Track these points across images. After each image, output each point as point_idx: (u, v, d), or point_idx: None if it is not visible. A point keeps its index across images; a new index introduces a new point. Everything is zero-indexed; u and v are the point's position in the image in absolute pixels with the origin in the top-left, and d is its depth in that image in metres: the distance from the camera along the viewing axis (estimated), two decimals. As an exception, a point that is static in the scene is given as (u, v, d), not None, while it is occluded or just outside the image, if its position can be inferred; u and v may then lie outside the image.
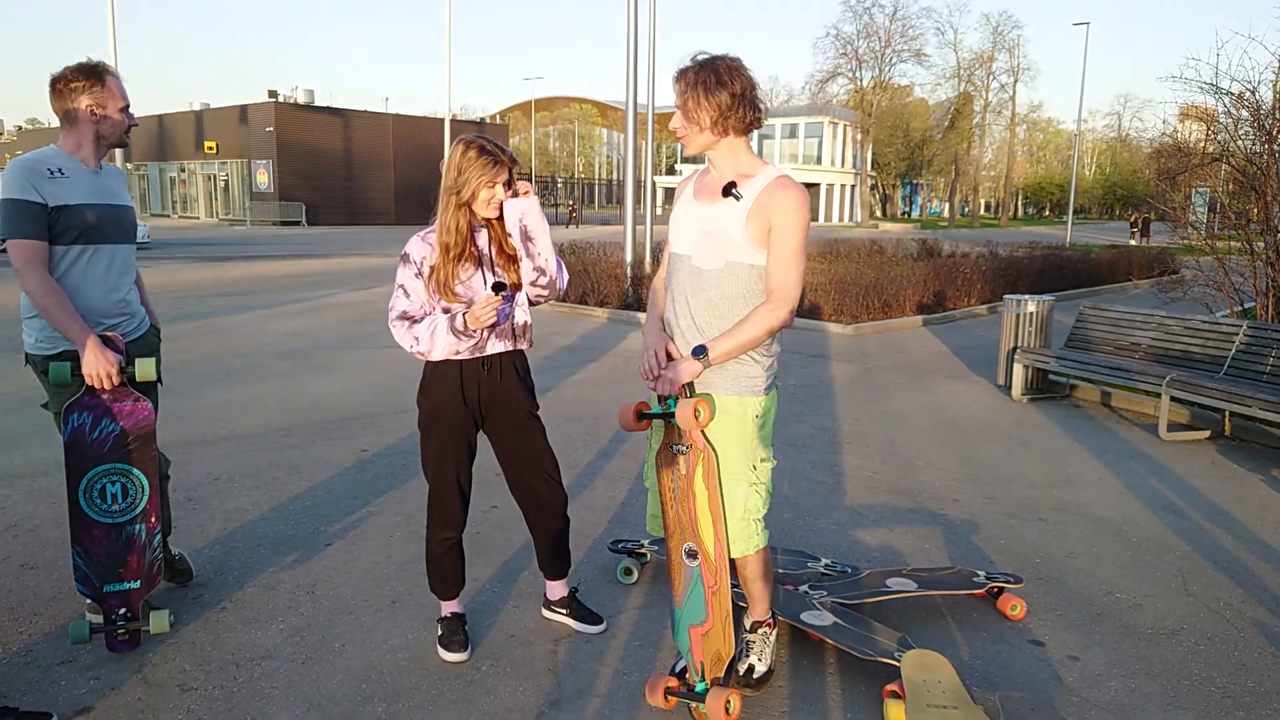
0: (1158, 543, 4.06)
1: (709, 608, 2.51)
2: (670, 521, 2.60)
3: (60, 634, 3.02)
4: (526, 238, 2.76)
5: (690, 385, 2.50)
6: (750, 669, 2.77)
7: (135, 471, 2.88)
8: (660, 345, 2.58)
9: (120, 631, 2.88)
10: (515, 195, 2.75)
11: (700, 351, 2.46)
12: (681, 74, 2.50)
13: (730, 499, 2.60)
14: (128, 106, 2.96)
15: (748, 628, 2.85)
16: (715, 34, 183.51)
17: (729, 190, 2.50)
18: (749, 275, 2.51)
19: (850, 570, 3.48)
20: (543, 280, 2.81)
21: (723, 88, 2.43)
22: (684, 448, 2.51)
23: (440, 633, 2.98)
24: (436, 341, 2.75)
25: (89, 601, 3.04)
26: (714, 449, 2.52)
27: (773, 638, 2.84)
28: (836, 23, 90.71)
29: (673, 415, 2.48)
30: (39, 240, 2.73)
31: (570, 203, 45.87)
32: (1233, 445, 5.80)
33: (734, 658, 2.76)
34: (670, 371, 2.48)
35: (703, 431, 2.52)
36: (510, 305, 2.84)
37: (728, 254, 2.50)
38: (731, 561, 2.62)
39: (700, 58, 2.50)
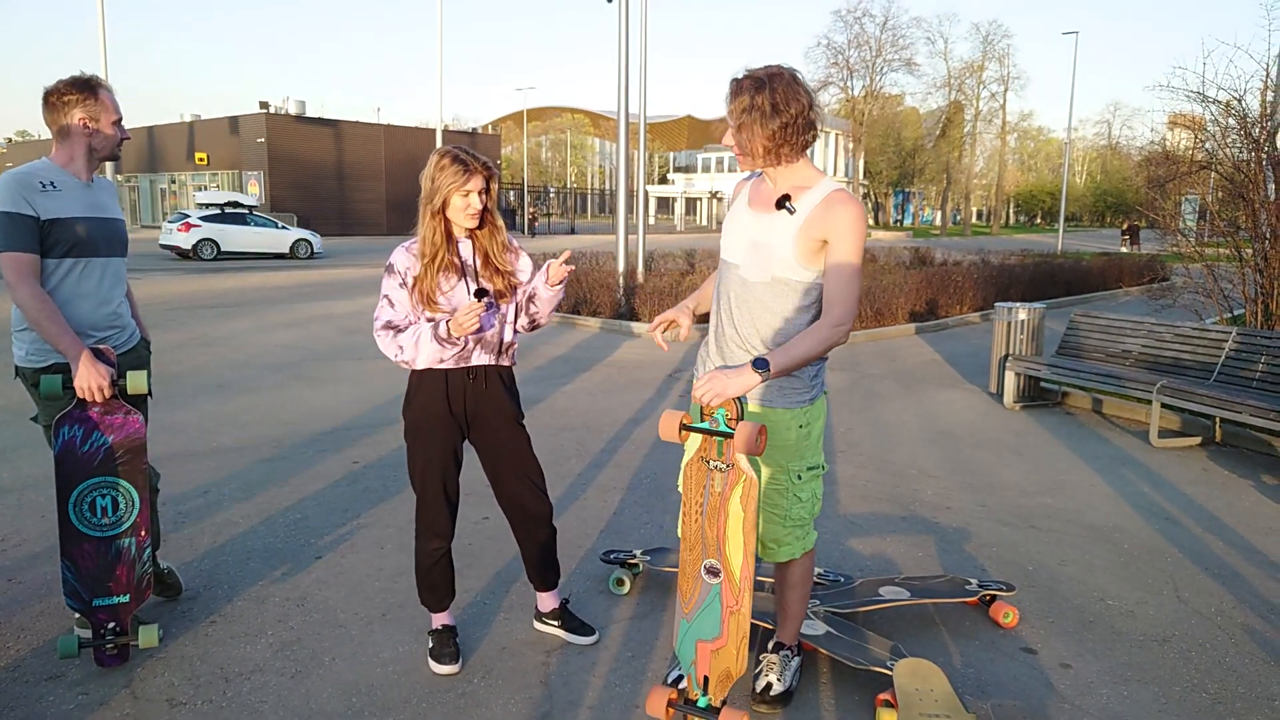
0: (1149, 549, 4.07)
1: (725, 626, 2.45)
2: (691, 533, 2.50)
3: (48, 649, 3.00)
4: (531, 299, 2.89)
5: (742, 400, 2.35)
6: (768, 686, 2.74)
7: (125, 485, 2.86)
8: (679, 314, 2.61)
9: (109, 646, 2.86)
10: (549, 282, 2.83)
11: (761, 365, 2.31)
12: (736, 93, 2.39)
13: (775, 508, 2.60)
14: (120, 120, 2.96)
15: (769, 648, 2.84)
16: (706, 44, 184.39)
17: (782, 203, 2.44)
18: (796, 291, 2.47)
19: (843, 579, 3.48)
20: (529, 324, 2.96)
21: (777, 115, 2.34)
22: (724, 465, 2.38)
23: (431, 645, 2.97)
24: (420, 350, 2.75)
25: (77, 616, 3.02)
26: (756, 470, 2.46)
27: (794, 663, 2.81)
28: (827, 32, 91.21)
29: (726, 434, 2.33)
30: (31, 253, 2.72)
31: (531, 209, 44.39)
32: (1223, 451, 5.82)
33: (754, 675, 2.76)
34: (719, 381, 2.31)
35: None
36: (494, 314, 2.84)
37: (775, 269, 2.46)
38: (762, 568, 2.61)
39: (754, 75, 2.38)
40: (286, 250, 24.52)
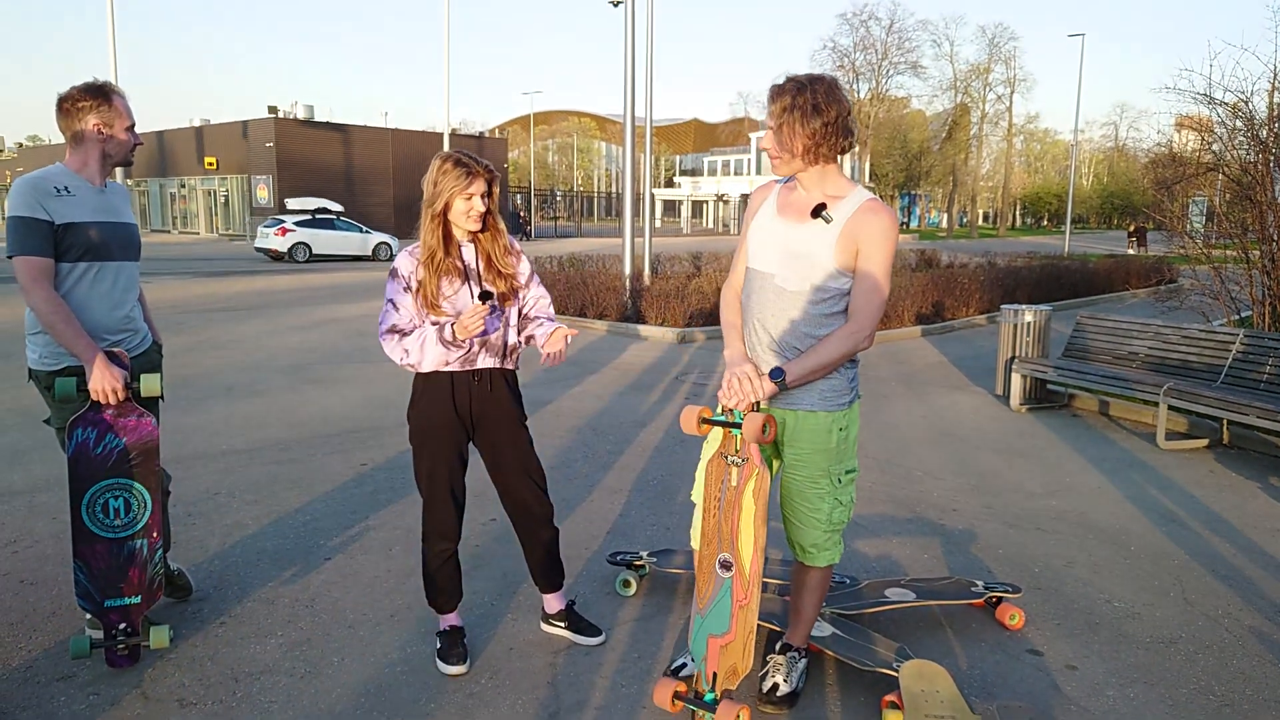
0: (1156, 551, 4.07)
1: (734, 620, 2.50)
2: (709, 529, 2.58)
3: (60, 649, 3.03)
4: (530, 339, 2.99)
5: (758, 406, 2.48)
6: (775, 687, 2.75)
7: (138, 486, 2.89)
8: (751, 370, 2.48)
9: (120, 647, 2.89)
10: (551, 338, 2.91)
11: (778, 374, 2.44)
12: (777, 95, 2.45)
13: (816, 512, 2.62)
14: (133, 126, 3.00)
15: (777, 649, 2.86)
16: (712, 48, 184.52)
17: (818, 212, 2.46)
18: (834, 298, 2.50)
19: (849, 581, 3.49)
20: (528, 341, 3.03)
21: (819, 114, 2.39)
22: (740, 460, 2.48)
23: (439, 646, 2.99)
24: (426, 353, 2.78)
25: (89, 616, 3.05)
26: (769, 466, 2.52)
27: (801, 665, 2.82)
28: (833, 35, 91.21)
29: (738, 426, 2.45)
30: (45, 257, 2.76)
31: (522, 212, 44.14)
32: (1231, 453, 5.81)
33: (761, 675, 2.78)
34: (747, 386, 2.45)
35: (776, 446, 2.52)
36: (497, 316, 2.87)
37: (814, 277, 2.48)
38: (771, 570, 2.63)
39: (796, 79, 2.44)
40: (369, 252, 25.86)
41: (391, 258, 25.68)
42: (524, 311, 2.99)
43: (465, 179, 2.71)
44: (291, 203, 26.70)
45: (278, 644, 3.10)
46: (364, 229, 26.43)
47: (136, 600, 2.92)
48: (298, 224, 24.48)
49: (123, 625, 2.89)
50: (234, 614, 3.32)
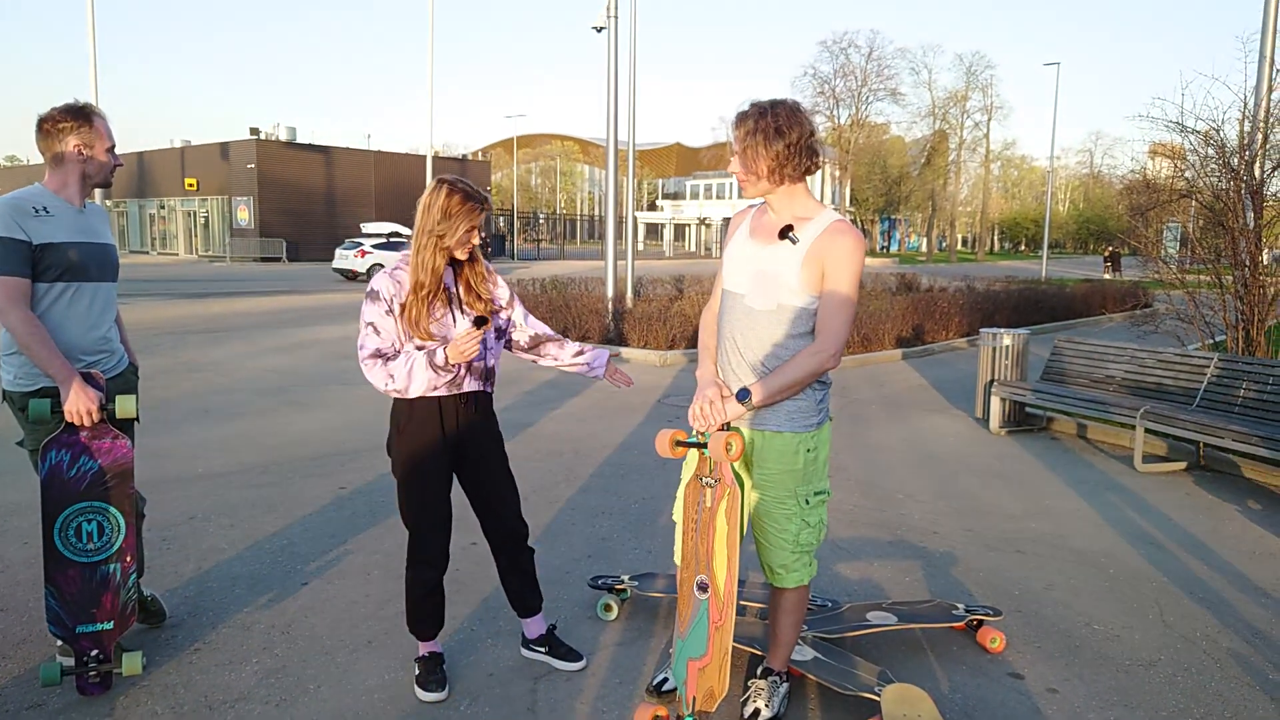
0: (1135, 574, 4.09)
1: (710, 643, 2.50)
2: (687, 552, 2.60)
3: (30, 677, 2.97)
4: (540, 344, 3.10)
5: (729, 428, 2.52)
6: (756, 712, 2.73)
7: (112, 510, 2.85)
8: (716, 393, 2.57)
9: (92, 674, 2.83)
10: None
11: (744, 395, 2.48)
12: (740, 121, 2.51)
13: (784, 533, 2.62)
14: (114, 147, 3.00)
15: (758, 673, 2.84)
16: (695, 72, 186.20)
17: (786, 233, 2.51)
18: (802, 317, 2.53)
19: (830, 604, 3.48)
20: (528, 342, 3.10)
21: (780, 137, 2.44)
22: (713, 481, 2.52)
23: (418, 672, 2.95)
24: (414, 378, 2.75)
25: (60, 643, 2.99)
26: (741, 485, 2.54)
27: (782, 690, 2.81)
28: (814, 62, 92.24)
29: (706, 446, 2.50)
30: (22, 278, 2.74)
31: (484, 235, 45.26)
32: (1207, 476, 5.86)
33: (742, 700, 2.76)
34: (711, 410, 2.51)
35: (735, 467, 2.54)
36: (487, 344, 2.88)
37: (781, 296, 2.52)
38: (763, 593, 2.62)
39: (758, 104, 2.50)
40: None
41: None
42: (514, 338, 3.05)
43: (477, 214, 2.75)
44: (367, 227, 29.40)
45: (253, 671, 3.05)
46: None
47: (109, 626, 2.87)
48: (374, 246, 26.35)
49: (95, 652, 2.84)
50: (209, 640, 3.27)
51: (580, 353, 3.08)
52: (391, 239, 27.63)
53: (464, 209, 2.72)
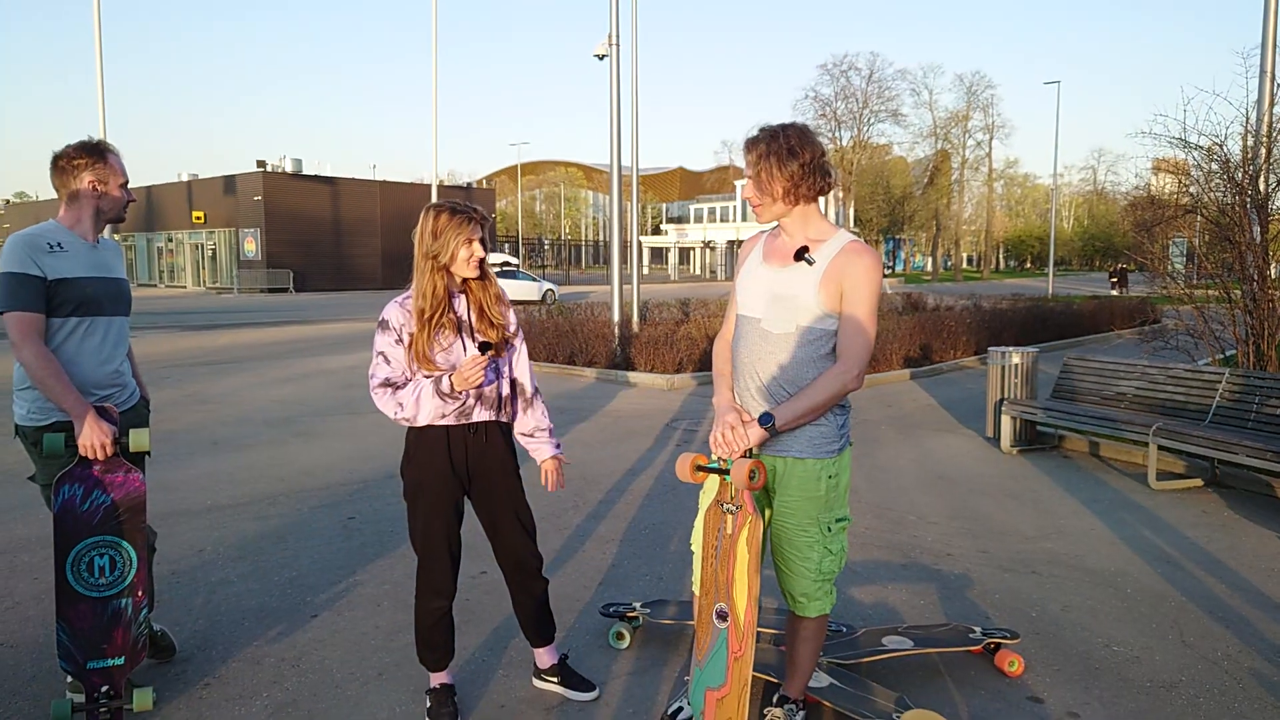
0: (1153, 593, 4.04)
1: (729, 673, 2.46)
2: (707, 579, 2.57)
3: (41, 713, 2.95)
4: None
5: (751, 453, 2.49)
6: None
7: (124, 544, 2.84)
8: (737, 418, 2.52)
9: (103, 710, 2.81)
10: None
11: (767, 420, 2.44)
12: (752, 145, 2.52)
13: (806, 561, 2.59)
14: (127, 183, 3.03)
15: (775, 701, 2.81)
16: (697, 97, 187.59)
17: (801, 255, 2.50)
18: (820, 339, 2.51)
19: (845, 629, 3.45)
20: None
21: (794, 158, 2.45)
22: (734, 508, 2.48)
23: (429, 704, 2.92)
24: (421, 406, 2.75)
25: (70, 679, 2.97)
26: (761, 512, 2.51)
27: (799, 718, 2.77)
28: (814, 85, 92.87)
29: (729, 473, 2.46)
30: (36, 313, 2.77)
31: (488, 247, 48.34)
32: (1223, 492, 5.81)
33: None
34: (734, 436, 2.47)
35: (758, 494, 2.51)
36: (494, 368, 2.86)
37: (799, 319, 2.51)
38: (777, 620, 2.59)
39: (768, 128, 2.51)
40: (539, 297, 29.83)
41: (556, 301, 28.55)
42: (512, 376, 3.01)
43: (468, 226, 2.73)
44: None
45: (263, 705, 3.02)
46: (536, 278, 31.48)
47: (120, 662, 2.85)
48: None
49: (105, 688, 2.82)
50: (219, 675, 3.25)
51: (534, 433, 3.03)
52: (504, 268, 29.57)
53: (451, 223, 2.71)
